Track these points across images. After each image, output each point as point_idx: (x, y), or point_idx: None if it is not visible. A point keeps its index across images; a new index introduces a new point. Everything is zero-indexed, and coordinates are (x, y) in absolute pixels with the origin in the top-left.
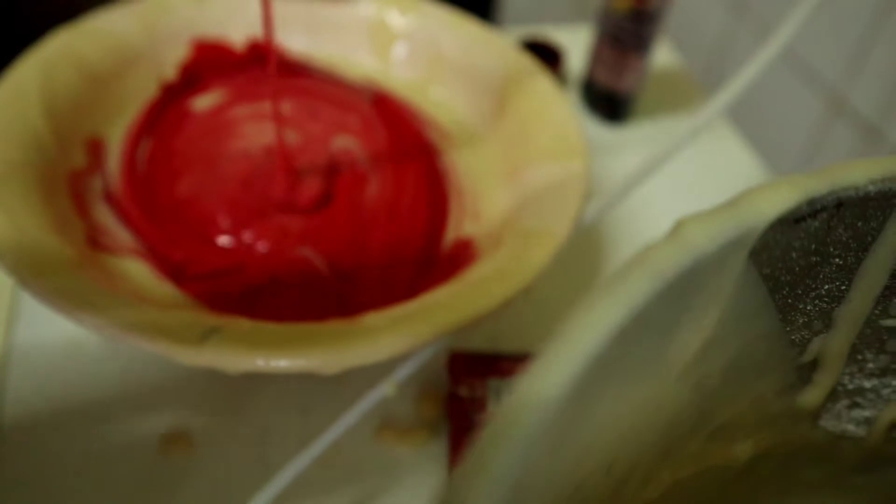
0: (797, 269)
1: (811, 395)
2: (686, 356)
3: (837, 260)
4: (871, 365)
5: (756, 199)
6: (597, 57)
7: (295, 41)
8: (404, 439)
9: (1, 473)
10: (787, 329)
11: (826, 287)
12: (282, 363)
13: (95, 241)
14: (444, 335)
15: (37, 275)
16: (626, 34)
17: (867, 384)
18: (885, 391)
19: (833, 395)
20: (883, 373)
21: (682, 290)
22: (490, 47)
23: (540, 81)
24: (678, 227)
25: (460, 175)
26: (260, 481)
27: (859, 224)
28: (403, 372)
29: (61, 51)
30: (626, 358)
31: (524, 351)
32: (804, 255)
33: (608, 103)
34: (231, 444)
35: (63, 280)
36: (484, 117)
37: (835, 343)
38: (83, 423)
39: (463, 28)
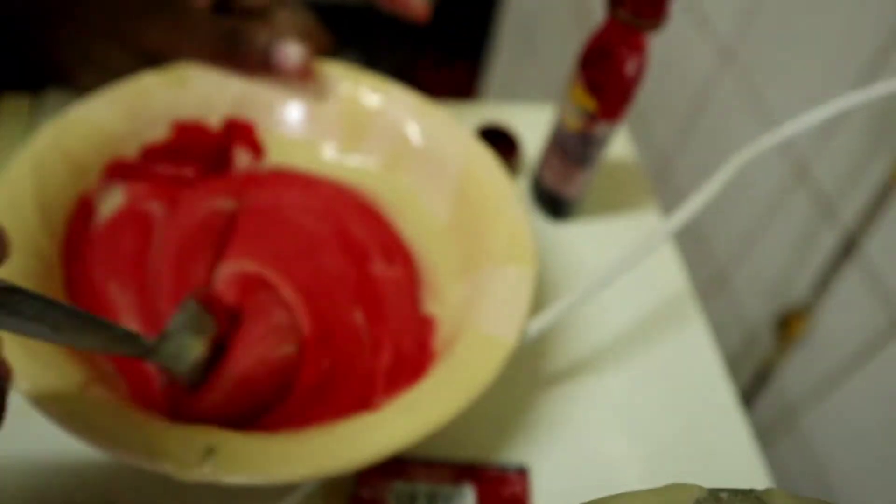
0: None
1: None
2: None
3: None
4: None
5: None
6: (546, 160)
7: (264, 121)
8: None
9: None
10: None
11: None
12: (270, 479)
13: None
14: (391, 453)
15: (49, 399)
16: (573, 150)
17: None
18: None
19: None
20: None
21: None
22: (453, 137)
23: (498, 180)
24: None
25: (425, 263)
26: None
27: None
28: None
29: (50, 148)
30: None
31: (432, 457)
32: None
33: (553, 204)
34: None
35: (72, 403)
36: (442, 207)
37: None
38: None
39: (429, 115)
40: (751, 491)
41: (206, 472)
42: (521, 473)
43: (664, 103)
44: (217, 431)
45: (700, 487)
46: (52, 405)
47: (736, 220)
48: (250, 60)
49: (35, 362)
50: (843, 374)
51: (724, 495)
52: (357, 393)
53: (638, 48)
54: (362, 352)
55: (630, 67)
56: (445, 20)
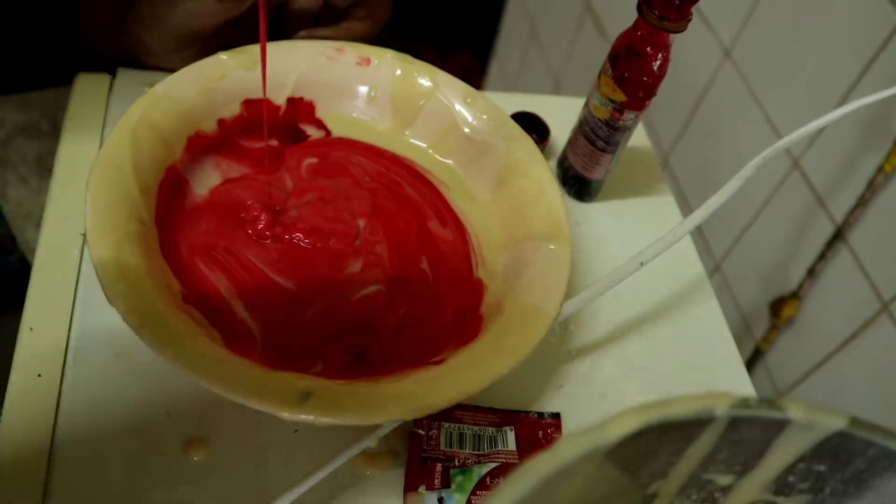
0: (642, 453)
1: None
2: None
3: (669, 447)
4: (694, 497)
5: (611, 426)
6: (572, 145)
7: (323, 104)
8: (373, 463)
9: (60, 460)
10: (636, 478)
11: (663, 459)
12: (356, 421)
13: (189, 297)
14: (457, 401)
15: (166, 345)
16: (600, 136)
17: None
18: None
19: None
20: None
21: (554, 479)
22: (496, 123)
23: (537, 164)
24: (558, 444)
25: (471, 233)
26: (257, 481)
27: (683, 432)
28: (386, 429)
29: (142, 121)
30: None
31: (474, 403)
32: (646, 446)
33: (578, 186)
34: (238, 450)
35: (185, 349)
36: (485, 186)
37: (669, 485)
38: (125, 423)
39: (475, 102)
40: (773, 399)
41: (303, 412)
42: (556, 418)
43: (667, 101)
44: (313, 378)
45: (735, 395)
46: (168, 352)
47: (733, 213)
48: None
49: (152, 318)
50: (828, 354)
51: (752, 402)
52: (427, 347)
53: (663, 47)
54: (430, 304)
55: (656, 64)
56: (448, 12)
